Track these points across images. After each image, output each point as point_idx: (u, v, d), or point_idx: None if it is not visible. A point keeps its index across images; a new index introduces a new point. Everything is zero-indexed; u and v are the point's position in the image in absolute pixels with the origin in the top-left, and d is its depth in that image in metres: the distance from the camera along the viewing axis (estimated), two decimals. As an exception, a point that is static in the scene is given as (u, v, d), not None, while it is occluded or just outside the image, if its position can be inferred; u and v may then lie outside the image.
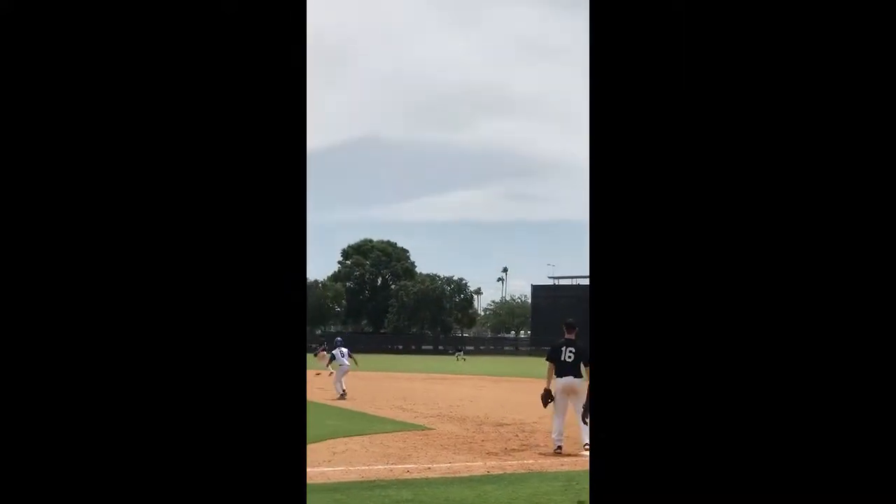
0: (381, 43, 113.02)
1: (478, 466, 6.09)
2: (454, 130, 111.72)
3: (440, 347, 57.84)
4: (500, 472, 5.78)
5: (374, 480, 5.16)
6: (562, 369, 6.82)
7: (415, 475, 5.49)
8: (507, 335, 73.21)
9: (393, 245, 70.66)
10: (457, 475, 5.58)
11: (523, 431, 8.67)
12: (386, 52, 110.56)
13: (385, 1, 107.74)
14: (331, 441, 7.32)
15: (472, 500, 4.57)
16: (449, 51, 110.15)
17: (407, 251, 71.46)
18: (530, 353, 49.38)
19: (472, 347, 58.64)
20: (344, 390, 13.46)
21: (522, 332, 72.03)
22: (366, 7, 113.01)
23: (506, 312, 74.60)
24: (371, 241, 70.22)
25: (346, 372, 13.91)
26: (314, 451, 6.51)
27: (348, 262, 68.55)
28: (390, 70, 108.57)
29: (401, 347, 57.51)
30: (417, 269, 70.00)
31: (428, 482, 5.18)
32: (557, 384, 6.89)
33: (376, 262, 68.12)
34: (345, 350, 14.37)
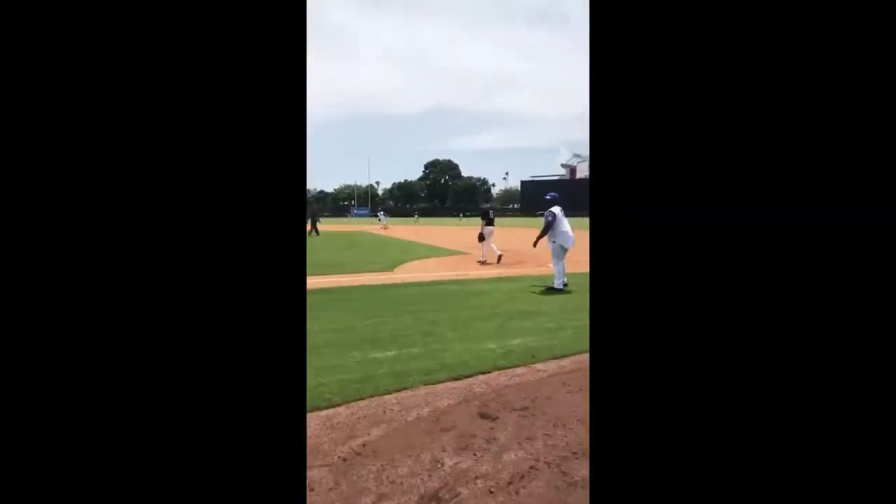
0: None
1: (494, 272, 10.55)
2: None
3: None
4: (507, 275, 10.15)
5: (439, 280, 9.46)
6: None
7: (460, 278, 9.84)
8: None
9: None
10: (482, 277, 9.93)
11: (518, 254, 13.84)
12: None
13: None
14: (416, 262, 12.62)
15: (490, 289, 8.47)
16: None
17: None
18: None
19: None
20: None
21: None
22: None
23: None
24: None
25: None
26: (408, 266, 11.79)
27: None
28: None
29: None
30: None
31: (467, 281, 9.42)
32: None
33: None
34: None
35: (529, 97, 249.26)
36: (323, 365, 4.39)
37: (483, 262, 12.51)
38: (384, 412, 3.42)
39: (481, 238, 13.13)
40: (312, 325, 5.82)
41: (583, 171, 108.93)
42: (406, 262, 12.95)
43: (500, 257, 12.57)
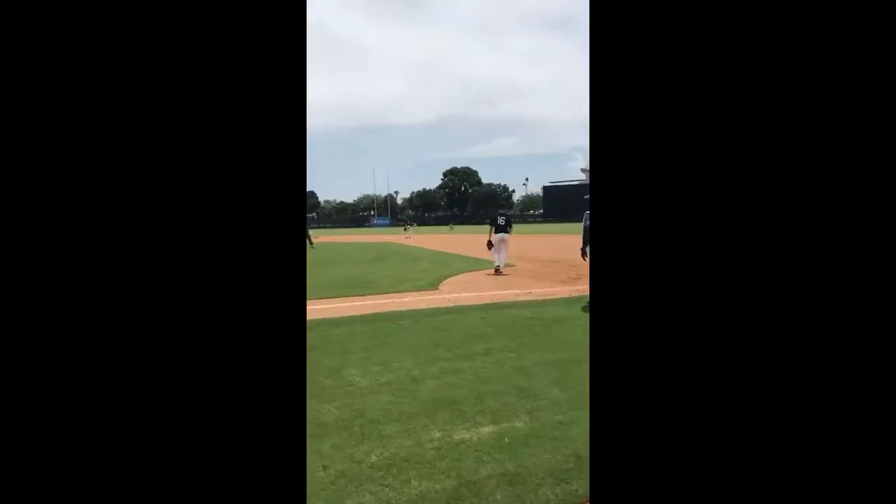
0: None
1: (561, 289, 8.86)
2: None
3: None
4: (578, 294, 8.44)
5: (501, 302, 7.73)
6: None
7: (525, 299, 8.08)
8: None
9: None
10: (551, 297, 8.19)
11: (573, 266, 12.71)
12: None
13: None
14: (458, 276, 11.48)
15: (570, 315, 6.60)
16: None
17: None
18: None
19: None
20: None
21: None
22: None
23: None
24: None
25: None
26: (452, 283, 10.27)
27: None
28: None
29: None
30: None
31: (536, 304, 7.67)
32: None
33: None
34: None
35: (539, 103, 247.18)
36: (386, 455, 2.89)
37: (497, 272, 11.47)
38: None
39: (490, 246, 11.97)
40: (353, 373, 4.36)
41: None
42: (448, 276, 11.41)
43: (496, 269, 11.49)
